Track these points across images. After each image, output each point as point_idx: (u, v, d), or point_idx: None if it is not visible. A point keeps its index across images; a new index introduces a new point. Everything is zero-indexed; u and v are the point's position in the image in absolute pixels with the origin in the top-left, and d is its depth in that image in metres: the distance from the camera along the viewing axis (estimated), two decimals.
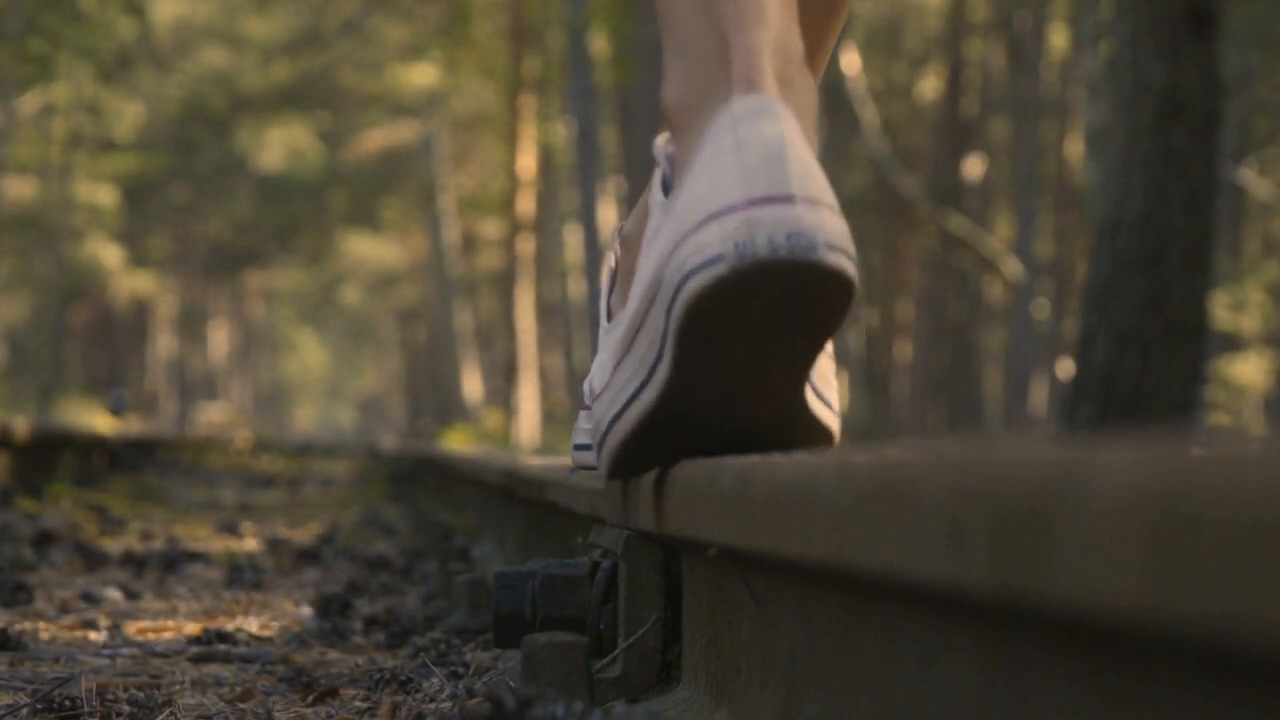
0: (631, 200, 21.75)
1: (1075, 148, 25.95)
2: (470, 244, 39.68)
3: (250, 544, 5.52)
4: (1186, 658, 0.68)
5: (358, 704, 2.02)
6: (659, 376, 1.54)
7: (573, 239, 29.13)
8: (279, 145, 40.74)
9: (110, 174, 37.14)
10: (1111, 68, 6.94)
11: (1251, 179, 22.30)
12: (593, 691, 1.67)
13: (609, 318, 1.81)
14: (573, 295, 28.37)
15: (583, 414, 1.94)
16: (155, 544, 5.28)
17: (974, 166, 28.51)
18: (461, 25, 28.86)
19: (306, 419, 64.67)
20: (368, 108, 39.01)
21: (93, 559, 4.43)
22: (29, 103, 31.26)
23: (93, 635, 2.82)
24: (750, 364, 1.49)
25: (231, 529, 6.21)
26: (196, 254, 44.88)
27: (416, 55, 33.22)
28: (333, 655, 2.58)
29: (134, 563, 4.34)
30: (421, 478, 10.89)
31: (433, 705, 1.94)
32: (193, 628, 2.93)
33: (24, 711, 1.90)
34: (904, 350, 31.50)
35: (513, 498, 4.32)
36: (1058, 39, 25.86)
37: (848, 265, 1.45)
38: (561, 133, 29.50)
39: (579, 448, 2.04)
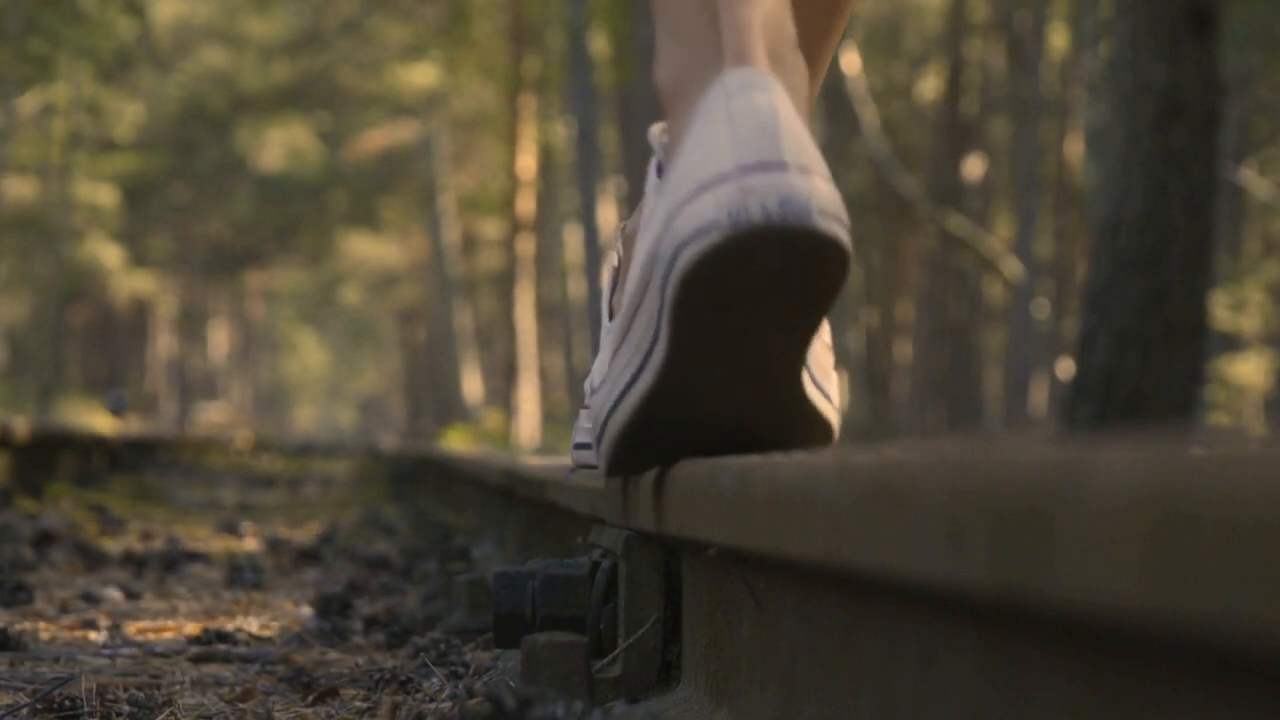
0: (632, 200, 21.76)
1: (1075, 148, 25.95)
2: (470, 244, 39.69)
3: (250, 544, 5.52)
4: (1186, 658, 0.68)
5: (358, 704, 2.02)
6: (656, 358, 1.54)
7: (573, 239, 29.14)
8: (279, 145, 40.75)
9: (110, 174, 37.15)
10: (1111, 68, 6.94)
11: (1251, 179, 22.30)
12: (593, 691, 1.67)
13: (611, 317, 1.81)
14: (573, 295, 28.37)
15: (583, 413, 1.94)
16: (155, 544, 5.28)
17: (974, 166, 28.52)
18: (461, 25, 28.87)
19: (306, 419, 64.67)
20: (368, 108, 39.01)
21: (93, 559, 4.43)
22: (29, 103, 31.27)
23: (93, 635, 2.82)
24: (747, 334, 1.49)
25: (231, 529, 6.21)
26: (196, 254, 44.89)
27: (416, 55, 33.22)
28: (333, 655, 2.58)
29: (134, 563, 4.34)
30: (421, 478, 10.89)
31: (433, 705, 1.94)
32: (193, 628, 2.93)
33: (24, 711, 1.90)
34: (904, 350, 31.51)
35: (513, 498, 4.32)
36: (1058, 39, 25.86)
37: (841, 232, 1.45)
38: (561, 133, 29.50)
39: (579, 446, 2.04)
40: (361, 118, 39.60)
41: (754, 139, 1.46)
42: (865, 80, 24.17)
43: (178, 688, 2.18)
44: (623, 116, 23.69)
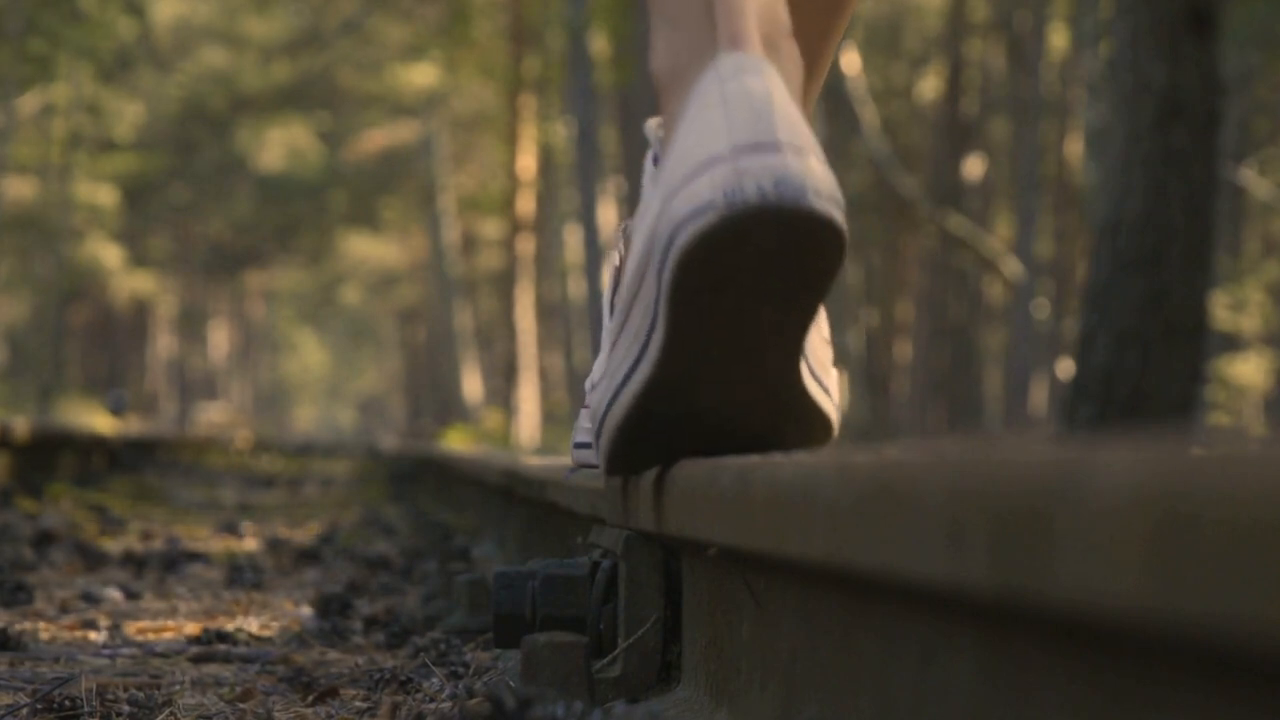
0: (632, 200, 21.75)
1: (1075, 148, 25.95)
2: (470, 244, 39.69)
3: (250, 544, 5.52)
4: (1186, 658, 0.68)
5: (358, 704, 2.02)
6: (654, 346, 1.54)
7: (573, 239, 29.14)
8: (279, 145, 40.75)
9: (110, 174, 37.15)
10: (1111, 68, 6.94)
11: (1251, 179, 22.30)
12: (593, 691, 1.67)
13: (612, 315, 1.81)
14: (573, 295, 28.38)
15: (583, 412, 1.93)
16: (155, 544, 5.28)
17: (974, 166, 28.52)
18: (461, 25, 28.87)
19: (306, 419, 64.67)
20: (368, 108, 39.01)
21: (93, 559, 4.43)
22: (29, 103, 31.27)
23: (93, 635, 2.82)
24: (743, 315, 1.49)
25: (231, 529, 6.21)
26: (196, 254, 44.89)
27: (416, 55, 33.22)
28: (333, 655, 2.58)
29: (134, 563, 4.34)
30: (421, 478, 10.89)
31: (433, 705, 1.94)
32: (193, 628, 2.93)
33: (24, 711, 1.90)
34: (904, 350, 31.51)
35: (513, 498, 4.32)
36: (1058, 39, 25.86)
37: (836, 212, 1.45)
38: (561, 133, 29.50)
39: (579, 446, 2.04)
40: (361, 118, 39.60)
41: (748, 121, 1.46)
42: (865, 80, 24.17)
43: (178, 688, 2.18)
44: (623, 116, 23.69)
